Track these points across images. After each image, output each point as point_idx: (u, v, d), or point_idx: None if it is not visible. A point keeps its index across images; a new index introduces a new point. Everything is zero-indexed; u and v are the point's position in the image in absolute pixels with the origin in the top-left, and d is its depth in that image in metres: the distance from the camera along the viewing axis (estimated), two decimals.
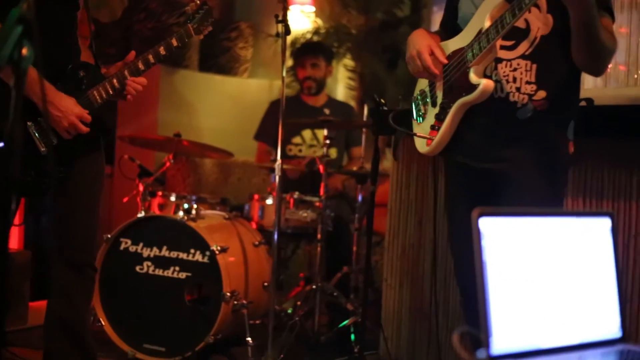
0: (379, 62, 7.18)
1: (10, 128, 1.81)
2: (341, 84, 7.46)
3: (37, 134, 3.02)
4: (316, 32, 7.35)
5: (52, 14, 3.07)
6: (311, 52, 5.85)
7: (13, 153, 1.79)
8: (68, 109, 3.04)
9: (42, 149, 3.03)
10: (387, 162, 4.13)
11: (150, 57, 3.25)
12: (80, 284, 3.24)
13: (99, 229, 3.37)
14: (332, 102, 5.94)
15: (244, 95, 7.36)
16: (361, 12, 7.33)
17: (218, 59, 7.52)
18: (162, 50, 3.28)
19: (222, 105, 7.22)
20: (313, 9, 7.48)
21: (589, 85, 4.00)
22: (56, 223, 3.22)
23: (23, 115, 2.97)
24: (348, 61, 7.35)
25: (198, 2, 3.40)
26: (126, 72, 3.22)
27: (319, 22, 7.42)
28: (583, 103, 3.32)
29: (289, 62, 6.65)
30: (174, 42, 3.29)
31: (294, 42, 6.98)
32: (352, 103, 7.14)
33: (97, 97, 3.16)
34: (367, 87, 7.20)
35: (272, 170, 4.62)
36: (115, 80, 3.20)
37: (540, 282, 1.68)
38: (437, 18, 7.35)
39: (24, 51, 1.74)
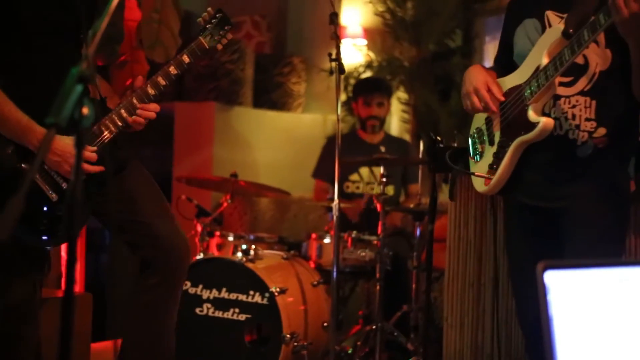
0: (431, 94, 7.14)
1: (73, 186, 1.82)
2: (395, 117, 7.43)
3: (43, 181, 2.83)
4: (369, 65, 7.35)
5: (56, 51, 2.92)
6: (378, 90, 5.80)
7: (74, 211, 1.80)
8: (66, 152, 2.80)
9: (53, 196, 2.85)
10: (443, 196, 4.08)
11: (160, 79, 3.00)
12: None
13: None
14: (388, 139, 5.92)
15: (298, 130, 7.37)
16: (413, 43, 7.31)
17: (271, 95, 7.54)
18: (172, 70, 3.02)
19: (277, 141, 7.24)
20: (365, 42, 7.48)
21: None
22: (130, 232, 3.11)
23: (27, 165, 2.80)
24: (401, 94, 7.32)
25: (211, 11, 3.14)
26: (134, 100, 2.97)
27: (372, 55, 7.42)
28: None
29: (343, 97, 6.66)
30: (186, 59, 3.04)
31: (347, 77, 6.98)
32: (407, 136, 7.11)
33: (105, 131, 2.92)
34: (421, 120, 7.16)
35: (330, 209, 4.61)
36: (123, 111, 2.96)
37: (609, 335, 1.64)
38: (489, 48, 7.32)
39: (85, 110, 1.73)
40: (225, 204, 4.89)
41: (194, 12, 8.02)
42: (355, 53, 7.42)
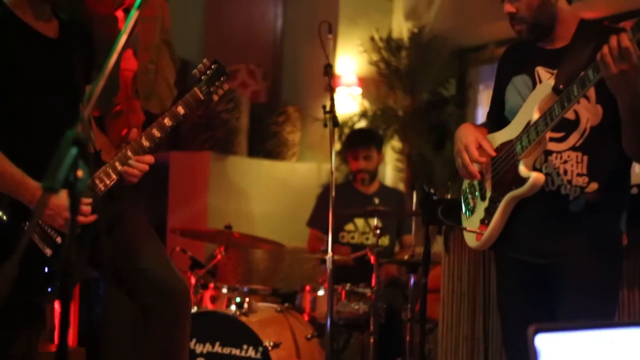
0: (426, 143, 7.18)
1: (66, 250, 1.83)
2: (389, 166, 7.47)
3: (38, 238, 2.82)
4: (363, 114, 7.39)
5: (53, 108, 2.94)
6: (363, 143, 5.80)
7: (69, 273, 1.80)
8: (59, 206, 2.77)
9: (47, 252, 2.83)
10: (437, 246, 4.09)
11: (155, 131, 2.99)
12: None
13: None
14: (383, 190, 5.93)
15: (293, 180, 7.39)
16: (407, 92, 7.36)
17: (266, 144, 7.58)
18: (167, 122, 3.00)
19: (272, 190, 7.26)
20: (360, 90, 7.53)
21: None
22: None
23: (20, 219, 2.79)
24: (395, 143, 7.36)
25: (206, 62, 3.13)
26: (129, 152, 2.96)
27: (366, 104, 7.47)
28: (635, 190, 3.27)
29: (338, 146, 6.69)
30: (181, 111, 3.02)
31: (341, 126, 7.00)
32: (401, 185, 7.14)
33: (99, 184, 2.91)
34: (415, 169, 7.19)
35: (323, 260, 4.62)
36: (117, 163, 2.96)
37: None
38: (483, 97, 7.38)
39: (79, 173, 1.74)
40: (219, 256, 4.89)
41: (190, 61, 8.09)
42: (350, 102, 7.47)
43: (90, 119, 2.90)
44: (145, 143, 2.98)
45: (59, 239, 2.87)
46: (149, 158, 3.00)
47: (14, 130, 2.91)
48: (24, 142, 2.90)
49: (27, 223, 2.81)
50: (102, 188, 2.95)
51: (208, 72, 3.10)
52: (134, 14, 2.05)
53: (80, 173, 1.74)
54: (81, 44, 3.12)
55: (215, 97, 3.13)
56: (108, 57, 2.00)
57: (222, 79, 3.13)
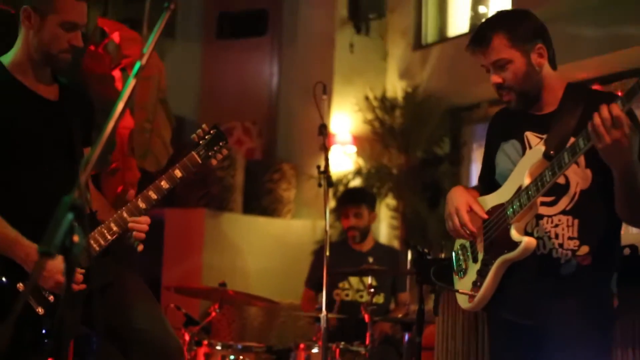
0: (420, 201, 7.23)
1: (61, 313, 1.85)
2: (384, 224, 7.50)
3: (31, 297, 2.82)
4: (358, 172, 7.44)
5: (48, 166, 2.99)
6: (353, 201, 5.85)
7: (64, 337, 1.83)
8: (54, 268, 2.78)
9: (40, 311, 2.84)
10: (431, 304, 4.11)
11: (152, 193, 3.01)
12: None
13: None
14: (377, 248, 5.94)
15: (288, 236, 7.42)
16: (401, 151, 7.43)
17: (261, 201, 7.62)
18: (164, 184, 3.03)
19: (267, 247, 7.29)
20: (354, 149, 7.60)
21: (633, 230, 3.97)
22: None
23: (12, 279, 2.81)
24: (390, 200, 7.41)
25: (205, 127, 3.16)
26: (125, 214, 2.98)
27: (361, 162, 7.53)
28: (627, 251, 3.30)
29: (332, 203, 6.73)
30: (178, 173, 3.04)
31: (336, 184, 7.05)
32: (396, 243, 7.16)
33: (94, 244, 2.93)
34: (410, 226, 7.22)
35: (317, 319, 4.62)
36: (112, 224, 2.98)
37: None
38: (477, 155, 7.44)
39: (75, 238, 1.77)
40: (213, 313, 4.88)
41: (186, 118, 8.18)
42: (344, 160, 7.53)
43: (87, 182, 2.93)
44: (142, 205, 3.01)
45: (51, 298, 2.89)
46: (145, 219, 3.02)
47: (11, 190, 2.94)
48: (20, 203, 2.93)
49: (21, 284, 2.84)
50: (97, 248, 2.96)
51: (207, 136, 3.12)
52: (132, 80, 2.09)
53: (76, 238, 1.77)
54: (81, 107, 3.17)
55: (214, 162, 3.15)
56: (106, 121, 2.04)
57: (221, 143, 3.14)
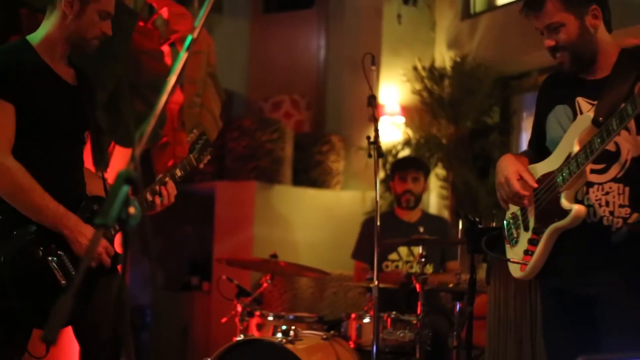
0: (470, 171, 7.19)
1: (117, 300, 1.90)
2: (433, 194, 7.49)
3: (57, 267, 2.94)
4: (407, 143, 7.43)
5: (63, 151, 3.11)
6: (414, 165, 5.85)
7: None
8: (82, 231, 2.96)
9: (62, 282, 2.94)
10: (483, 273, 4.11)
11: (148, 195, 3.18)
12: None
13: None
14: (426, 218, 5.93)
15: (337, 208, 7.44)
16: (450, 121, 7.39)
17: (310, 173, 7.65)
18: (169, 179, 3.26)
19: (316, 219, 7.32)
20: (403, 119, 7.58)
21: None
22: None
23: (44, 249, 2.94)
24: (439, 171, 7.39)
25: (196, 132, 3.44)
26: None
27: (409, 132, 7.51)
28: None
29: (382, 174, 6.74)
30: (178, 173, 3.29)
31: (385, 154, 7.05)
32: (445, 213, 7.15)
33: (112, 230, 3.06)
34: (460, 197, 7.20)
35: (369, 289, 4.64)
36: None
37: None
38: (527, 124, 7.37)
39: (131, 210, 1.80)
40: (265, 284, 4.94)
41: (235, 92, 8.23)
42: (393, 130, 7.52)
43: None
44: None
45: (73, 271, 2.99)
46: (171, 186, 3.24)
47: (30, 168, 3.01)
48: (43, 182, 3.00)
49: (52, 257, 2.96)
50: (113, 233, 3.10)
51: (199, 141, 3.42)
52: (183, 55, 2.12)
53: (132, 210, 1.81)
54: (91, 94, 3.30)
55: (201, 165, 3.43)
56: (158, 97, 2.08)
57: (208, 150, 3.45)
